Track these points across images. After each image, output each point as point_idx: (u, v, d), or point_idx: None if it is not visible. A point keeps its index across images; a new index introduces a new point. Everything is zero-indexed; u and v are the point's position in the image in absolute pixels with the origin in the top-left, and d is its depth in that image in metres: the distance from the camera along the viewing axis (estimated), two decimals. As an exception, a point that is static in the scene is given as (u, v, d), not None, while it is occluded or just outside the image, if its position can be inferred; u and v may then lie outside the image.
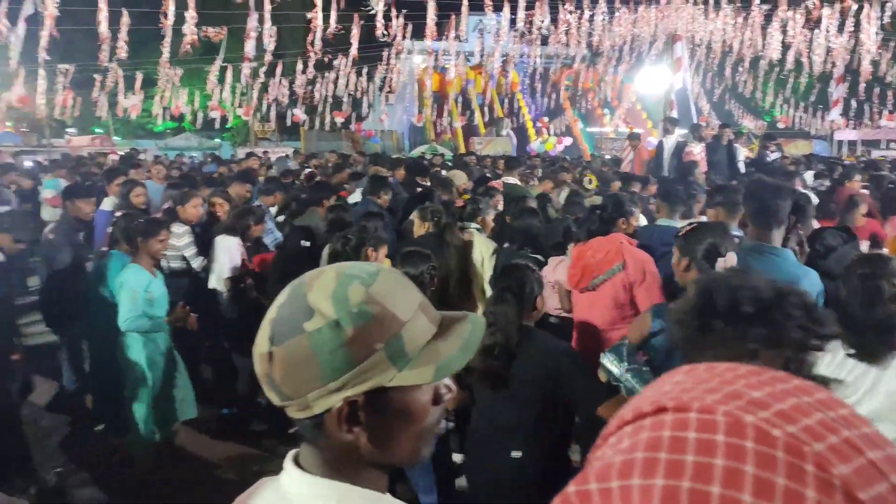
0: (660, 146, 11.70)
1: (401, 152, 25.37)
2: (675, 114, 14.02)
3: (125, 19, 11.65)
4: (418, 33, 16.86)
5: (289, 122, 25.45)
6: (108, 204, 6.49)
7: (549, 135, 27.70)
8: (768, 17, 13.18)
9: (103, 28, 10.50)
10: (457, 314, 1.05)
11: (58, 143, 28.72)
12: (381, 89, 24.16)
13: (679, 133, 12.04)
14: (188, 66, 19.25)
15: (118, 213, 5.41)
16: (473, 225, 4.96)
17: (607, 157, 19.02)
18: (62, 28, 11.76)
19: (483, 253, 4.78)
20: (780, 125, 26.45)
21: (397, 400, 0.95)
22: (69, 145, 27.80)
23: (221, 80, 18.62)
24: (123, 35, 11.65)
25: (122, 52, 11.79)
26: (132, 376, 4.20)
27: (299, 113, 23.61)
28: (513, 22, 13.73)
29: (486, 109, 27.93)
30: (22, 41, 11.43)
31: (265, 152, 22.37)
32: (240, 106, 24.95)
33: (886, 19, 11.11)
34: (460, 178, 8.36)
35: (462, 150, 24.75)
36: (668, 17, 14.03)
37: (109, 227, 5.10)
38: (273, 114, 24.18)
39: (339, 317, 0.92)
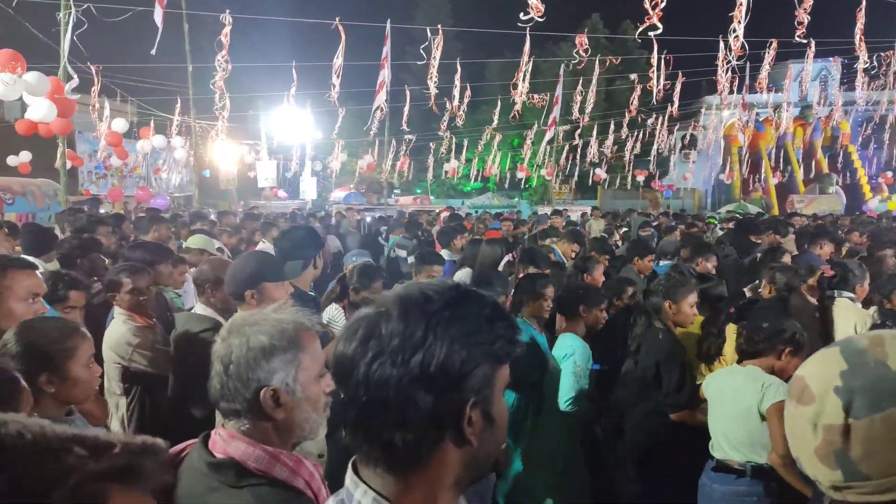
0: None
1: (702, 210, 24.05)
2: None
3: (468, 92, 13.23)
4: (738, 86, 16.05)
5: (590, 182, 26.03)
6: (445, 255, 6.99)
7: (890, 193, 23.62)
8: None
9: (456, 102, 12.00)
10: None
11: (389, 203, 33.70)
12: (688, 146, 23.36)
13: None
14: (507, 132, 21.02)
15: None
16: (847, 294, 4.45)
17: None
18: (414, 104, 13.88)
19: (857, 326, 4.26)
20: None
21: None
22: (397, 204, 32.38)
23: (536, 142, 19.90)
24: (464, 104, 13.19)
25: (461, 121, 13.28)
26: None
27: (601, 172, 24.03)
28: (846, 66, 12.17)
29: (811, 164, 25.03)
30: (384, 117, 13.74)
31: (565, 210, 23.19)
32: (542, 167, 26.39)
33: None
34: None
35: (776, 209, 22.50)
36: None
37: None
38: (576, 174, 24.99)
39: None
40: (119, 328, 3.07)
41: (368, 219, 20.19)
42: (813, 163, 25.24)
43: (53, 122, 8.04)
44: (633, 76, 11.75)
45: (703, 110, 20.53)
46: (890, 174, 24.58)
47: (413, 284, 0.91)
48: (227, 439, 1.28)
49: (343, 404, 0.86)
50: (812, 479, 0.94)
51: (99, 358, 2.60)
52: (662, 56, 12.06)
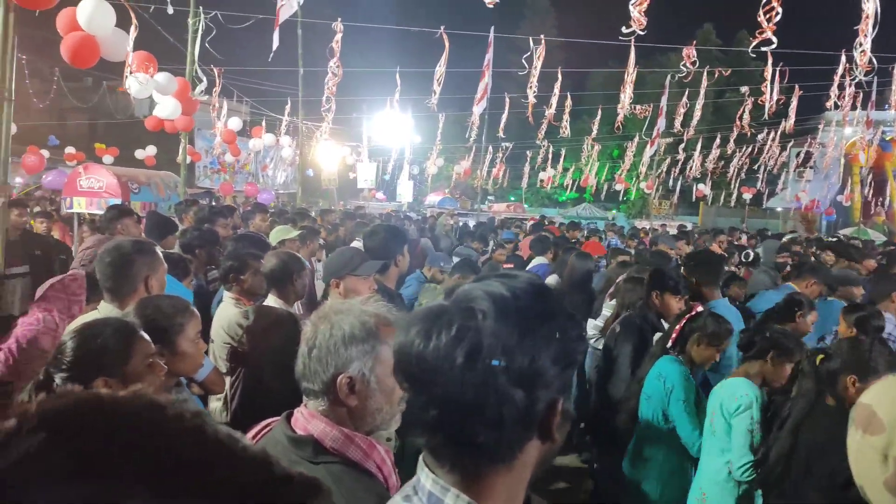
0: None
1: (814, 234, 22.50)
2: None
3: (568, 101, 13.13)
4: (863, 103, 14.94)
5: (693, 198, 25.03)
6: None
7: None
8: None
9: (553, 111, 11.97)
10: None
11: (482, 209, 33.88)
12: (802, 163, 21.97)
13: None
14: (606, 142, 20.63)
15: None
16: None
17: None
18: (512, 111, 13.91)
19: None
20: None
21: None
22: (490, 210, 32.50)
23: (637, 154, 19.40)
24: (566, 114, 13.11)
25: (565, 130, 13.20)
26: None
27: (704, 188, 23.05)
28: None
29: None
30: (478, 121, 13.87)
31: (663, 225, 22.43)
32: (643, 180, 25.64)
33: None
34: None
35: (902, 235, 20.65)
36: None
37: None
38: (678, 188, 24.10)
39: None
40: (231, 310, 3.30)
41: (461, 223, 20.46)
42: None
43: (178, 119, 8.72)
44: (745, 89, 11.21)
45: (821, 127, 19.20)
46: None
47: (490, 279, 0.89)
48: (307, 417, 1.38)
49: (421, 404, 0.84)
50: None
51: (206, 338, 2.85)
52: (777, 69, 11.48)
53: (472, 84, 12.03)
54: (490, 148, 19.84)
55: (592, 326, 5.14)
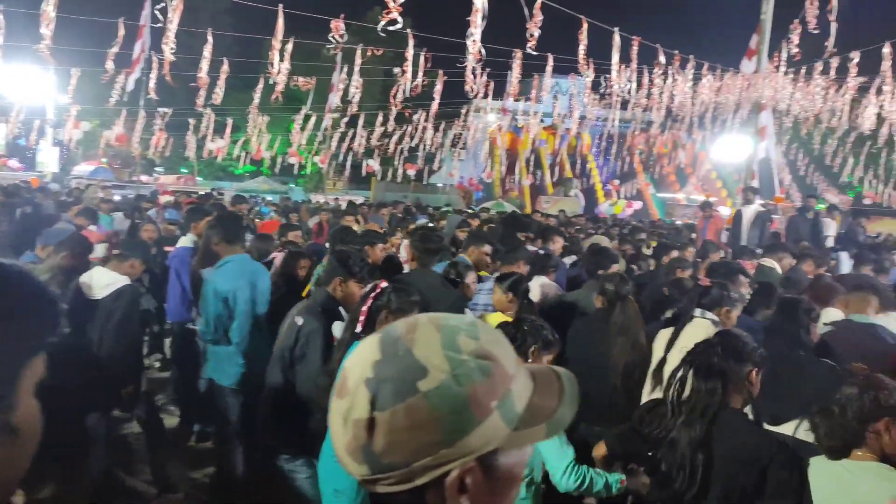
0: (738, 216, 11.26)
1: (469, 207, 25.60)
2: (755, 183, 13.59)
3: (225, 67, 12.32)
4: (499, 92, 17.21)
5: (363, 173, 26.19)
6: (187, 241, 6.39)
7: (618, 198, 27.46)
8: (862, 89, 12.76)
9: (204, 75, 11.11)
10: (539, 367, 0.98)
11: (146, 181, 30.48)
12: (454, 145, 24.63)
13: (759, 203, 11.61)
14: (274, 114, 20.17)
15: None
16: (709, 315, 3.69)
17: (678, 222, 18.58)
18: (173, 73, 12.56)
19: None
20: (867, 201, 25.33)
21: (505, 463, 0.87)
22: (157, 183, 29.46)
23: (304, 128, 19.39)
24: (221, 82, 12.29)
25: (219, 98, 12.42)
26: None
27: (374, 164, 24.31)
28: (594, 85, 13.75)
29: (555, 169, 28.02)
30: (133, 84, 12.26)
31: (335, 199, 23.08)
32: (317, 154, 25.88)
33: None
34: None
35: (528, 208, 24.78)
36: (755, 85, 13.78)
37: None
38: (348, 163, 24.91)
39: (459, 373, 0.82)
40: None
41: (117, 196, 18.01)
42: (559, 168, 28.31)
43: None
44: (398, 70, 11.89)
45: (464, 111, 21.75)
46: (617, 182, 28.61)
47: None
48: None
49: None
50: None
51: None
52: (423, 53, 12.43)
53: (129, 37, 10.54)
54: (144, 113, 17.75)
55: None
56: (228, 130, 19.33)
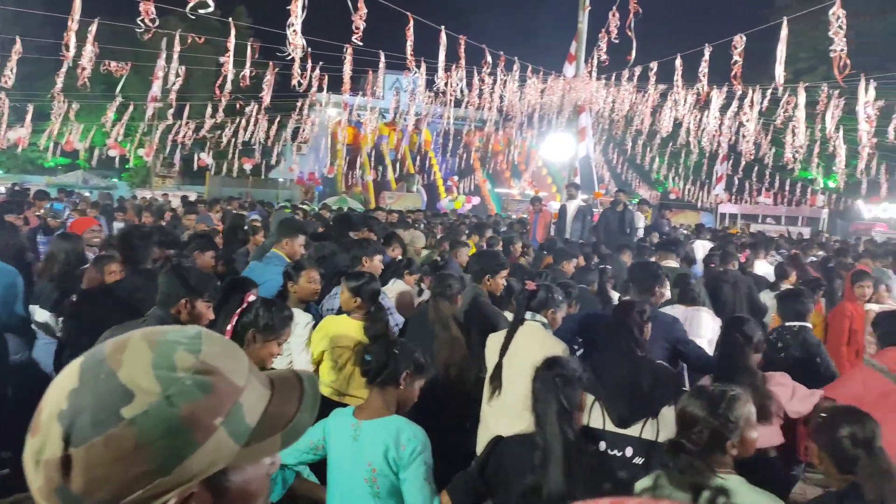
0: (563, 210, 12.11)
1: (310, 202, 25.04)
2: (577, 180, 14.66)
3: (17, 47, 10.91)
4: (335, 86, 16.93)
5: (195, 167, 24.57)
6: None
7: (458, 193, 28.32)
8: (663, 96, 14.24)
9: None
10: (280, 372, 0.96)
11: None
12: (293, 139, 23.89)
13: (581, 198, 12.58)
14: (87, 101, 18.26)
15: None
16: (539, 317, 3.67)
17: (513, 216, 19.57)
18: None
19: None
20: (672, 196, 28.42)
21: (237, 481, 0.82)
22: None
23: (119, 118, 17.77)
24: (12, 63, 10.88)
25: (9, 80, 10.99)
26: None
27: (206, 157, 22.91)
28: (429, 83, 14.04)
29: (398, 165, 28.25)
30: None
31: (164, 195, 21.43)
32: (141, 146, 23.86)
33: (765, 104, 12.26)
34: (419, 241, 7.78)
35: (373, 203, 24.77)
36: (575, 88, 14.84)
37: None
38: (178, 156, 23.22)
39: (172, 393, 0.75)
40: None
41: None
42: (402, 165, 28.59)
43: None
44: (223, 59, 11.25)
45: (299, 104, 21.19)
46: (457, 178, 29.50)
47: None
48: None
49: None
50: None
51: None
52: (250, 43, 11.91)
53: None
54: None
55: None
56: (29, 117, 17.13)
